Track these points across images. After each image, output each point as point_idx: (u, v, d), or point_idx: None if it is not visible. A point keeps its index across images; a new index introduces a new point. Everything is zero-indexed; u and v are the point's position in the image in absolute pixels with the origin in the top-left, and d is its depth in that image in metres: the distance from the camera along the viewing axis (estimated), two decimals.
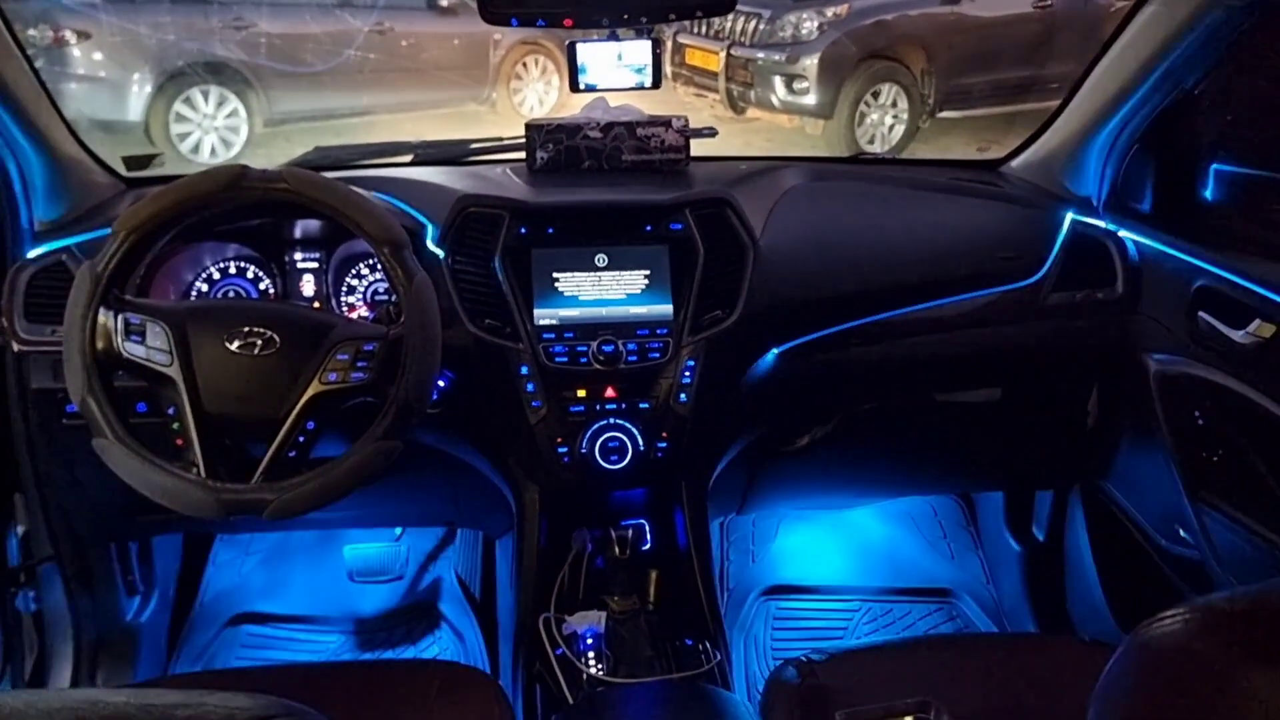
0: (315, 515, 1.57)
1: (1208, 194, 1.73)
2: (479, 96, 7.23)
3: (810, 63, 6.36)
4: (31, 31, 5.38)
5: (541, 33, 7.24)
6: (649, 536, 1.72)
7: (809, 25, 6.44)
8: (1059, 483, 2.11)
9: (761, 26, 6.56)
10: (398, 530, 2.40)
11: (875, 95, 6.47)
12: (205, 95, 6.03)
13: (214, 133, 6.10)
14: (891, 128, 6.54)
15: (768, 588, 2.34)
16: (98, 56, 5.85)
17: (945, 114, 6.62)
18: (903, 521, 2.55)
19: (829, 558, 2.45)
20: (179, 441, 1.38)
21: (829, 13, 6.43)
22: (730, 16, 6.69)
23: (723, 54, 6.72)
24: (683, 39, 7.07)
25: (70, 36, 5.72)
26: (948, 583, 2.37)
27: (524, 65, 7.36)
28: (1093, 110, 1.78)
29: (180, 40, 6.04)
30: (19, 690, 0.45)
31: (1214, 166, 1.73)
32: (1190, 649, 0.59)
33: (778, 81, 6.48)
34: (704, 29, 6.93)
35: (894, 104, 6.50)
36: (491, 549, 2.30)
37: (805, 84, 6.40)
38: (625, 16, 1.42)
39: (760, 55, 6.54)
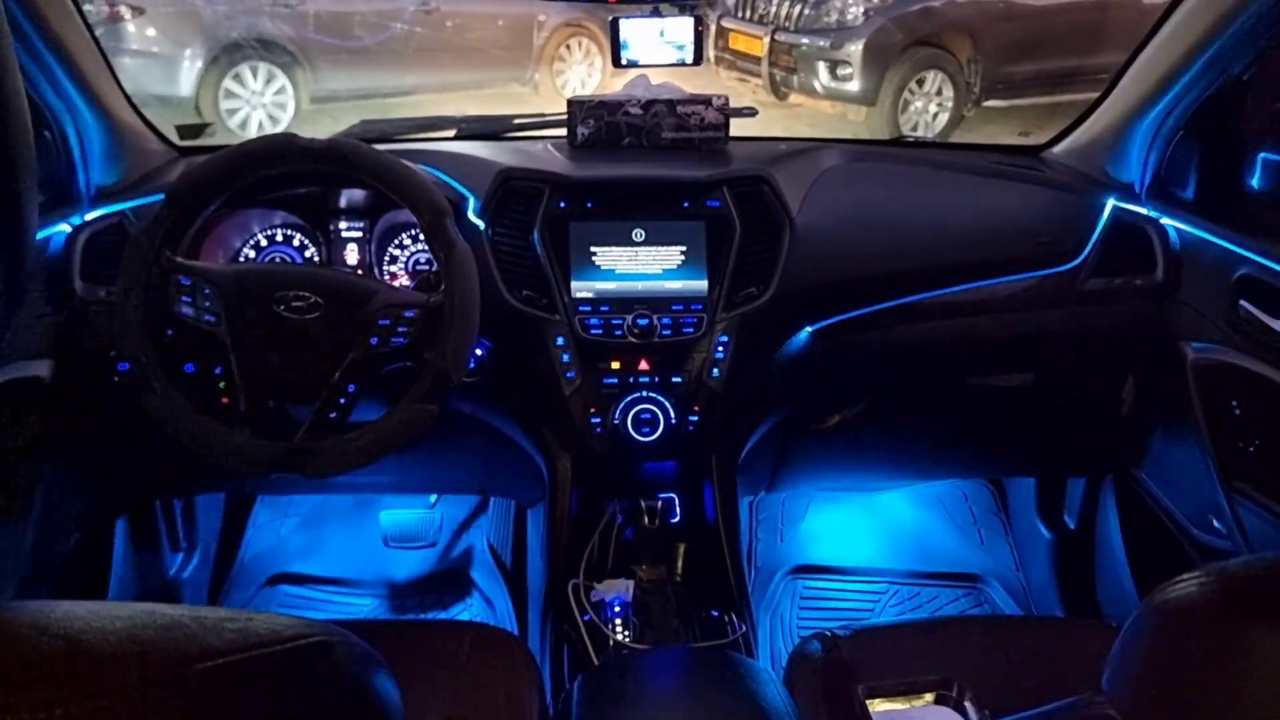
0: (353, 479, 1.62)
1: (1254, 183, 1.71)
2: (522, 78, 7.26)
3: (855, 49, 6.31)
4: (88, 6, 5.46)
5: (585, 14, 7.26)
6: (678, 510, 1.74)
7: (854, 10, 6.38)
8: (1092, 470, 2.11)
9: (806, 11, 6.51)
10: (432, 498, 2.44)
11: (920, 83, 6.40)
12: (254, 72, 6.11)
13: (262, 109, 6.18)
14: (935, 116, 6.47)
15: (795, 567, 2.36)
16: (151, 32, 5.95)
17: (991, 103, 6.54)
18: (933, 506, 2.55)
19: (857, 539, 2.46)
20: (225, 400, 1.43)
21: None
22: (774, 1, 6.67)
23: (766, 39, 6.67)
24: (726, 23, 7.03)
25: (125, 12, 5.82)
26: (977, 568, 2.37)
27: (567, 47, 7.37)
28: (1138, 96, 1.76)
29: (231, 16, 6.12)
30: (82, 601, 0.49)
31: (1262, 155, 1.71)
32: (1205, 612, 0.60)
33: (821, 67, 6.43)
34: (748, 13, 6.89)
35: (939, 92, 6.43)
36: (523, 519, 2.33)
37: (849, 70, 6.35)
38: None
39: (804, 40, 6.49)
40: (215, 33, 6.03)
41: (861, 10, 6.36)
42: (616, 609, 1.59)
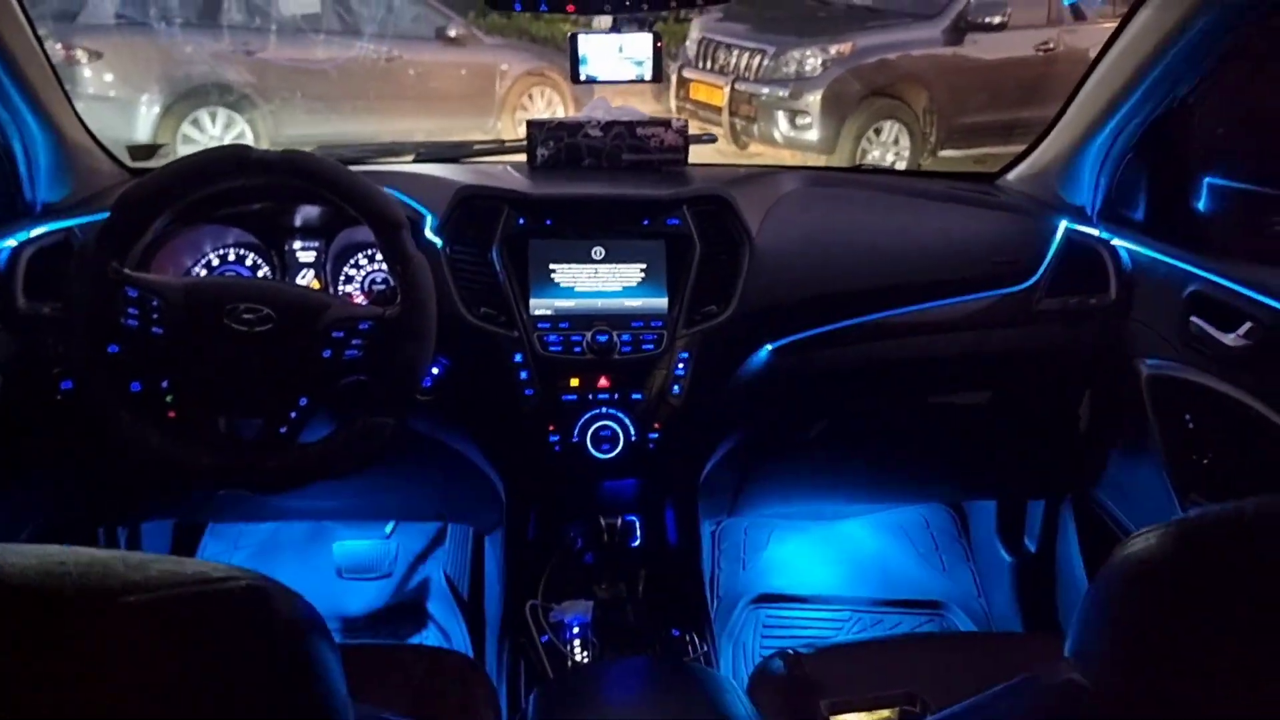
0: (306, 503, 1.57)
1: (1200, 205, 1.75)
2: (484, 126, 7.29)
3: (813, 99, 6.43)
4: None
5: (547, 64, 7.33)
6: (639, 533, 1.72)
7: (813, 62, 6.51)
8: (1051, 492, 2.11)
9: (766, 63, 6.63)
10: (388, 528, 2.39)
11: (877, 132, 6.52)
12: (213, 117, 6.09)
13: None
14: (893, 165, 6.58)
15: (758, 595, 2.33)
16: (108, 77, 5.92)
17: (946, 153, 6.67)
18: (894, 532, 2.55)
19: (820, 567, 2.44)
20: (172, 414, 1.39)
21: (833, 50, 6.50)
22: (735, 53, 6.79)
23: (727, 89, 6.78)
24: (687, 73, 7.15)
25: (81, 55, 5.80)
26: (939, 594, 2.36)
27: (529, 96, 7.43)
28: (1087, 120, 1.80)
29: (191, 61, 6.11)
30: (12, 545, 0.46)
31: (1207, 180, 1.74)
32: (1166, 562, 0.59)
33: (781, 116, 6.54)
34: (709, 64, 7.01)
35: (896, 141, 6.55)
36: (481, 548, 2.29)
37: (808, 119, 6.46)
38: (628, 3, 1.44)
39: (764, 90, 6.60)
40: (174, 77, 6.01)
41: (820, 61, 6.49)
42: (575, 629, 1.55)
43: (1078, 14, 6.84)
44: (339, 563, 2.35)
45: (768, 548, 2.48)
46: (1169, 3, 1.54)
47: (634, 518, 1.71)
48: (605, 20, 1.56)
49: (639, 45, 1.58)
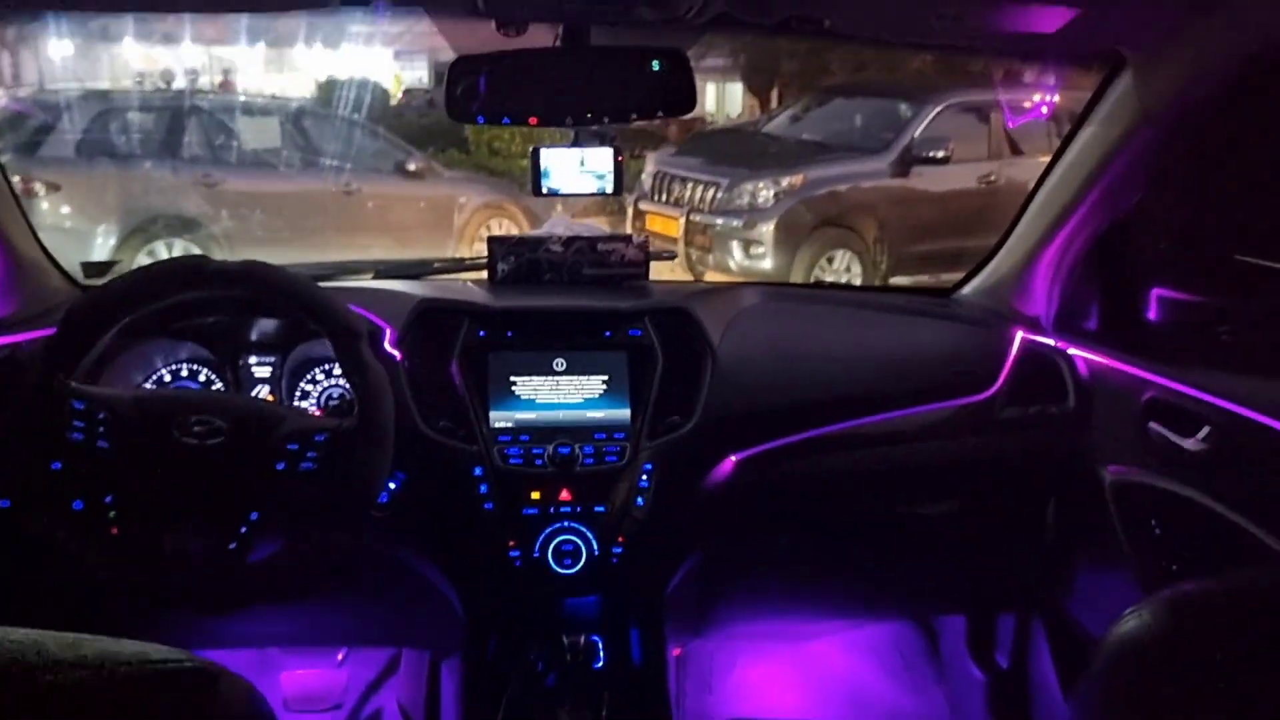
0: (252, 628, 1.50)
1: (1151, 315, 1.78)
2: (442, 254, 7.37)
3: (766, 229, 6.61)
4: None
5: (506, 197, 7.48)
6: (602, 654, 1.66)
7: (765, 194, 6.72)
8: (1020, 606, 2.08)
9: (720, 195, 6.83)
10: (339, 656, 2.29)
11: (830, 260, 6.69)
12: (169, 248, 6.10)
13: None
14: None
15: None
16: (65, 209, 5.94)
17: (897, 280, 6.83)
18: (864, 653, 2.48)
19: (789, 690, 2.37)
20: (115, 530, 1.33)
21: (784, 182, 6.72)
22: (689, 185, 7.00)
23: (682, 220, 6.96)
24: (643, 205, 7.33)
25: (40, 188, 5.82)
26: (910, 715, 2.29)
27: (487, 227, 7.54)
28: (1037, 233, 1.85)
29: (149, 194, 6.15)
30: None
31: (1156, 292, 1.78)
32: (1158, 643, 0.57)
33: (735, 246, 6.70)
34: (664, 196, 7.19)
35: (848, 269, 6.71)
36: (438, 675, 2.19)
37: (762, 249, 6.63)
38: (589, 116, 1.47)
39: (719, 221, 6.77)
40: (132, 209, 6.05)
41: (772, 193, 6.70)
42: None
43: (1015, 149, 7.14)
44: (286, 693, 2.23)
45: (735, 670, 2.40)
46: (1111, 118, 1.60)
47: (597, 638, 1.65)
48: (567, 135, 1.58)
49: (600, 159, 1.61)
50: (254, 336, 1.70)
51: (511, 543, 1.56)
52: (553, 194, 1.61)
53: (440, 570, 1.70)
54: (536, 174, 1.61)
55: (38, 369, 1.28)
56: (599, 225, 1.89)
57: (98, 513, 1.32)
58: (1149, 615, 0.58)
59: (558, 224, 1.87)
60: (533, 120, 1.45)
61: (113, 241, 5.90)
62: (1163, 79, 1.50)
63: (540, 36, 1.48)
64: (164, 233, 6.08)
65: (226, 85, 12.00)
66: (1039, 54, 1.81)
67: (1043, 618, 2.01)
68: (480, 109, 1.43)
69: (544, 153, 1.60)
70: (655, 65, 1.44)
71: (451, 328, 1.62)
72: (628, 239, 1.84)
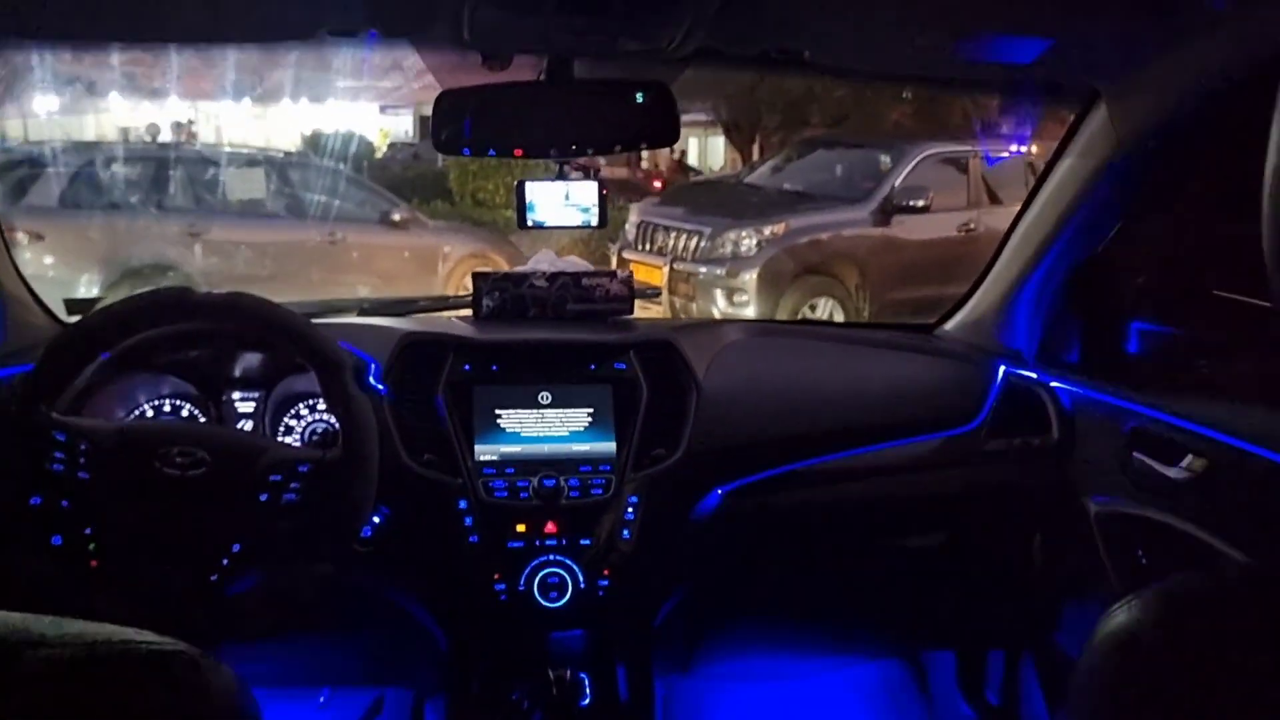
0: (234, 669, 1.46)
1: (1131, 347, 1.79)
2: (428, 296, 7.37)
3: (749, 277, 6.65)
4: None
5: (489, 246, 7.51)
6: (589, 690, 1.63)
7: (748, 243, 6.77)
8: (1009, 641, 2.07)
9: (703, 244, 6.88)
10: (321, 699, 2.24)
11: (812, 308, 6.73)
12: None
13: None
14: None
15: None
16: (48, 259, 5.94)
17: None
18: (852, 691, 2.45)
19: None
20: (94, 563, 1.31)
21: (767, 231, 6.78)
22: (673, 234, 7.05)
23: (666, 269, 6.99)
24: (627, 255, 7.37)
25: (23, 237, 5.81)
26: None
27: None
28: (1018, 268, 1.87)
29: (132, 241, 6.15)
30: None
31: (1135, 325, 1.80)
32: (1150, 636, 0.57)
33: (719, 294, 6.73)
34: (648, 245, 7.24)
35: (830, 316, 6.75)
36: (422, 715, 2.15)
37: (745, 297, 6.66)
38: (574, 148, 1.48)
39: (702, 270, 6.82)
40: (115, 258, 6.04)
41: (755, 242, 6.75)
42: None
43: (994, 198, 7.23)
44: None
45: (722, 708, 2.37)
46: (1087, 151, 1.63)
47: (583, 674, 1.63)
48: (552, 168, 1.60)
49: (585, 192, 1.62)
50: (238, 372, 1.69)
51: (496, 576, 1.54)
52: (538, 227, 1.62)
53: (424, 605, 1.68)
54: (522, 207, 1.62)
55: (18, 400, 1.27)
56: (583, 262, 1.89)
57: (77, 546, 1.31)
58: (1139, 607, 0.58)
59: (542, 260, 1.88)
60: (518, 152, 1.46)
61: (95, 291, 5.89)
62: (1137, 112, 1.53)
63: (524, 72, 1.50)
64: (148, 282, 6.07)
65: (190, 135, 12.09)
66: (1017, 86, 1.84)
67: (1032, 653, 2.00)
68: (466, 142, 1.44)
69: (529, 186, 1.61)
70: (639, 97, 1.46)
71: (436, 361, 1.62)
72: (612, 274, 1.84)
